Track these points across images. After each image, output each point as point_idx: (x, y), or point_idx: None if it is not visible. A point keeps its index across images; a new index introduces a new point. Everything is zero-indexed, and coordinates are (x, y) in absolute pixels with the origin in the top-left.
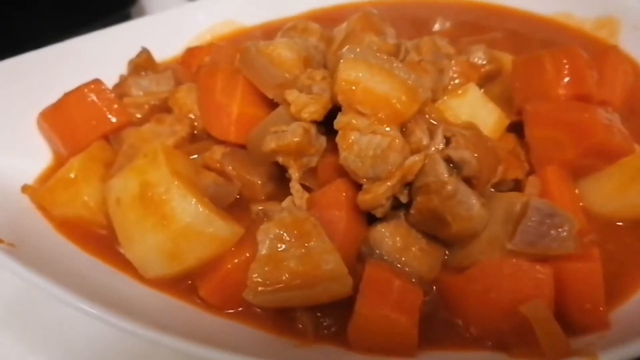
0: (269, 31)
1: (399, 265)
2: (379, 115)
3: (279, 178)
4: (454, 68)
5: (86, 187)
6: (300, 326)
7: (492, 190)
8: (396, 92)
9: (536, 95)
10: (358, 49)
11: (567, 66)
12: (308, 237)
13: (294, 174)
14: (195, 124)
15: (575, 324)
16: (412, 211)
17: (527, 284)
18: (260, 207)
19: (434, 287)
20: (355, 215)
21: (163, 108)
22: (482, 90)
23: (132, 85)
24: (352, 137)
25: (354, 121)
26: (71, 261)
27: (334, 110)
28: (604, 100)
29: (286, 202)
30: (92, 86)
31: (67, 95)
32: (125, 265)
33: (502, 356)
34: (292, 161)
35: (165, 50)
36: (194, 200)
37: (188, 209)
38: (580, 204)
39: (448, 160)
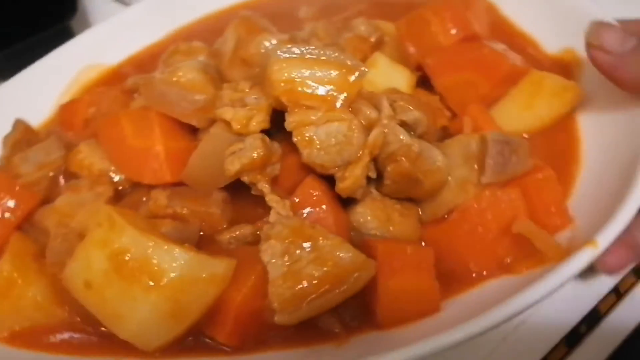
0: (142, 64)
1: (388, 236)
2: (329, 103)
3: (233, 201)
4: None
5: (29, 286)
6: (324, 328)
7: None
8: (337, 77)
9: (429, 49)
10: (283, 47)
11: (448, 14)
12: (313, 240)
13: (264, 187)
14: (115, 179)
15: (547, 229)
16: (386, 182)
17: (506, 208)
18: (228, 236)
19: (423, 244)
20: (337, 206)
21: (65, 176)
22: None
23: (19, 164)
24: (309, 133)
25: (305, 117)
26: None
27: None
28: (483, 36)
29: (273, 217)
30: None
31: None
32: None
33: (509, 277)
34: (259, 176)
35: (34, 115)
36: (177, 249)
37: (175, 260)
38: None
39: (402, 124)
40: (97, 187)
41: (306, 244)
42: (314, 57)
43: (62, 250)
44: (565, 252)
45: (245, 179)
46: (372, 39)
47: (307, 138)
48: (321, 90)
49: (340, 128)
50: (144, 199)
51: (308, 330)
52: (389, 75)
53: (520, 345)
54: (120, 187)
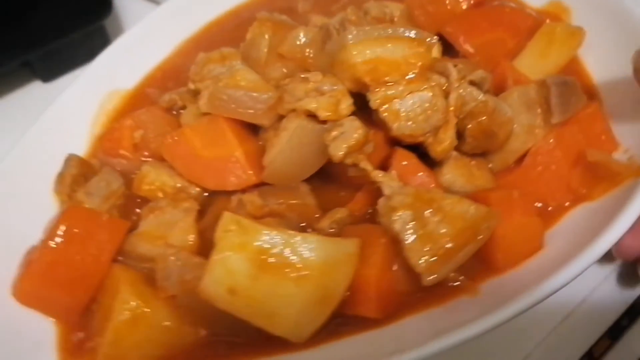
0: (160, 81)
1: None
2: (409, 75)
3: (318, 188)
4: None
5: (156, 313)
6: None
7: None
8: (410, 50)
9: (444, 19)
10: (351, 31)
11: None
12: (434, 202)
13: (367, 165)
14: (192, 192)
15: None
16: (467, 140)
17: (572, 144)
18: (328, 222)
19: None
20: (430, 170)
21: (129, 203)
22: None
23: (85, 199)
24: (395, 107)
25: (389, 93)
26: None
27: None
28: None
29: (387, 190)
30: (78, 218)
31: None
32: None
33: (587, 205)
34: (360, 155)
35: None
36: (311, 237)
37: (314, 248)
38: None
39: (471, 84)
40: (181, 204)
41: (430, 208)
42: (384, 35)
43: (176, 269)
44: (638, 169)
45: (349, 160)
46: (390, 17)
47: (394, 112)
48: (399, 65)
49: (424, 96)
50: (232, 205)
51: (436, 289)
52: None
53: (566, 337)
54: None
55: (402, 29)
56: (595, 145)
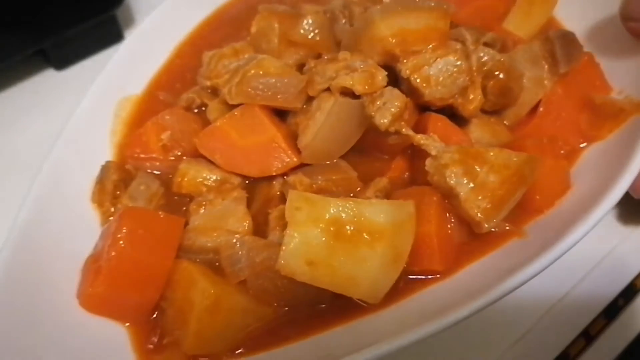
0: (167, 84)
1: (500, 145)
2: (432, 43)
3: (353, 163)
4: None
5: (232, 298)
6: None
7: None
8: (432, 20)
9: None
10: (378, 8)
11: None
12: (480, 155)
13: (409, 130)
14: (235, 182)
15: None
16: (489, 97)
17: (577, 90)
18: (373, 190)
19: None
20: (460, 129)
21: (170, 201)
22: None
23: (129, 203)
24: (425, 73)
25: (417, 61)
26: None
27: None
28: None
29: (434, 151)
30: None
31: (111, 253)
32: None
33: (598, 145)
34: (402, 122)
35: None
36: (376, 201)
37: (382, 211)
38: None
39: (485, 45)
40: (229, 194)
41: (477, 161)
42: (408, 7)
43: (244, 254)
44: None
45: (392, 128)
46: None
47: (425, 78)
48: (423, 34)
49: (449, 61)
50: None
51: (488, 237)
52: None
53: (563, 317)
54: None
55: (416, 1)
56: (593, 90)
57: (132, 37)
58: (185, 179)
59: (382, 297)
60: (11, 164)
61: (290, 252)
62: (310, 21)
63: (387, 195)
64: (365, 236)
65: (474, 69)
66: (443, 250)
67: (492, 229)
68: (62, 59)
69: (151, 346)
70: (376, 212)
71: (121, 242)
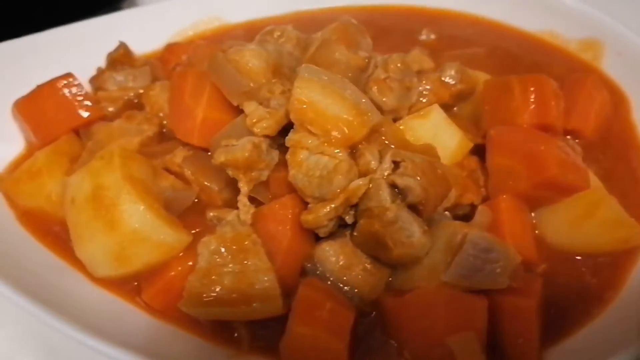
0: (252, 30)
1: (340, 285)
2: (329, 137)
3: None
4: (426, 86)
5: (50, 181)
6: (236, 335)
7: (447, 213)
8: (346, 115)
9: (502, 120)
10: (314, 68)
11: (533, 94)
12: (246, 254)
13: (243, 187)
14: (165, 122)
15: (509, 358)
16: (355, 233)
17: (461, 315)
18: (213, 214)
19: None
20: (301, 232)
21: (137, 104)
22: (455, 109)
23: (107, 80)
24: (302, 156)
25: (304, 140)
26: (26, 254)
27: (290, 125)
28: (573, 129)
29: (231, 216)
30: (64, 80)
31: (39, 87)
32: (78, 262)
33: None
34: (241, 175)
35: (147, 44)
36: (143, 206)
37: (136, 215)
38: (537, 231)
39: (394, 185)
40: (145, 123)
41: (238, 255)
42: (335, 88)
43: (85, 163)
44: None
45: (230, 173)
46: (455, 88)
47: (297, 160)
48: (328, 123)
49: (328, 164)
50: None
51: (223, 329)
52: (437, 130)
53: None
54: (165, 131)
55: (354, 92)
56: (506, 342)
57: None
58: (149, 93)
59: (99, 276)
60: None
61: (68, 182)
62: (336, 54)
63: None
64: (109, 218)
65: (348, 191)
66: (167, 293)
67: None
68: None
69: None
70: (133, 211)
71: None
